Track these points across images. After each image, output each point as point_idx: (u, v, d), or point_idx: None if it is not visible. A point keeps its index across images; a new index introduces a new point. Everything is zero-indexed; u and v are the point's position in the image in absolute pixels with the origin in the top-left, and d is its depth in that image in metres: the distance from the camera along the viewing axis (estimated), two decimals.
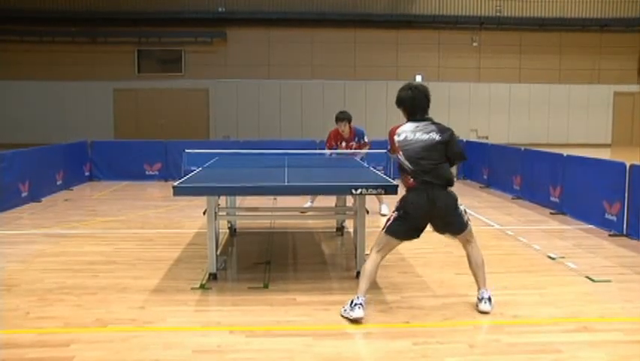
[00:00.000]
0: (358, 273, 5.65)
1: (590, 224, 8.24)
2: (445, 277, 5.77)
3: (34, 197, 10.24)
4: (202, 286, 5.39)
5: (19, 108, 22.48)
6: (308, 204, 9.06)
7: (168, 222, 8.67)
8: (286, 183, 5.71)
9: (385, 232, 4.69)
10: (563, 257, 6.50)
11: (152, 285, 5.44)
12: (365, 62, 23.29)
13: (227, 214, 6.99)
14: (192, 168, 6.91)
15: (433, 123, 4.70)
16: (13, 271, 5.92)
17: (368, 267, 4.70)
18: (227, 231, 7.65)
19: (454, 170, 5.04)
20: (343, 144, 9.08)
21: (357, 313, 4.49)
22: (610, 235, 7.63)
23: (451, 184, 4.72)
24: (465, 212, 4.81)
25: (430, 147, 4.59)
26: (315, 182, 6.11)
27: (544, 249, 6.90)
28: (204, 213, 5.71)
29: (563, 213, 9.09)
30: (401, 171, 4.74)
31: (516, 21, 23.80)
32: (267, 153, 9.93)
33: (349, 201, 7.26)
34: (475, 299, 4.85)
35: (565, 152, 9.96)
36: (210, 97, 23.40)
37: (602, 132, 24.46)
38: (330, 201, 8.51)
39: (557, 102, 24.33)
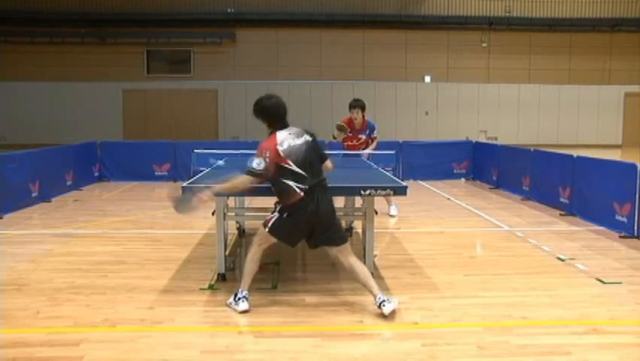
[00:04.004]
0: None
1: (600, 225, 8.19)
2: (453, 278, 5.75)
3: (44, 197, 10.29)
4: (211, 287, 5.40)
5: (29, 109, 22.61)
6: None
7: (177, 222, 8.68)
8: None
9: (269, 230, 4.70)
10: (573, 259, 6.46)
11: (160, 285, 5.45)
12: (374, 62, 23.27)
13: (236, 215, 6.99)
14: (201, 169, 6.93)
15: (295, 127, 4.75)
16: (23, 271, 5.96)
17: (250, 262, 4.80)
18: (236, 231, 7.66)
19: None
20: (351, 134, 8.94)
21: (244, 305, 4.66)
22: (620, 237, 7.58)
23: (327, 183, 4.76)
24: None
25: (309, 149, 4.64)
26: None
27: (553, 250, 6.87)
28: (213, 213, 5.71)
29: (573, 215, 9.04)
30: (283, 187, 4.57)
31: (525, 21, 23.71)
32: None
33: (358, 202, 7.24)
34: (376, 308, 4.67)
35: (575, 153, 9.90)
36: (219, 97, 23.45)
37: (613, 133, 24.31)
38: (338, 201, 8.49)
39: (567, 103, 24.21)
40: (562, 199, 9.53)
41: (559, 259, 6.50)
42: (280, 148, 4.55)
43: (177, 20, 22.73)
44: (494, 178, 12.64)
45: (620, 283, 5.62)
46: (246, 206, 7.93)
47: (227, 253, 6.01)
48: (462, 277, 5.80)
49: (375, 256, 6.06)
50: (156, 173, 13.47)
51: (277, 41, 23.46)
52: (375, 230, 5.78)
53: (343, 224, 7.87)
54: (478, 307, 4.88)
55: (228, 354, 3.96)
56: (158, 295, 5.19)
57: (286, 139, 4.60)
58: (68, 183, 11.63)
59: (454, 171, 14.14)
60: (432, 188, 12.43)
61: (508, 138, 21.95)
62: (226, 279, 5.58)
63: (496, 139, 21.84)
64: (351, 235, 7.66)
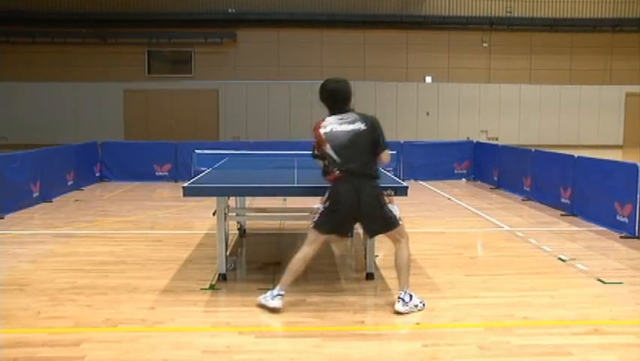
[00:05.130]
0: (368, 274, 5.67)
1: (601, 226, 8.19)
2: (454, 278, 5.75)
3: (45, 197, 10.30)
4: (211, 287, 5.40)
5: (30, 109, 22.59)
6: (318, 205, 9.04)
7: (178, 222, 8.69)
8: (296, 184, 5.72)
9: (313, 227, 4.73)
10: (574, 259, 6.46)
11: (161, 285, 5.45)
12: (375, 63, 23.24)
13: (237, 215, 6.99)
14: (202, 169, 6.94)
15: (356, 113, 4.76)
16: (24, 271, 5.96)
17: (295, 262, 4.77)
18: (237, 232, 7.66)
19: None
20: None
21: (276, 303, 4.64)
22: (621, 237, 7.58)
23: (377, 176, 4.75)
24: (395, 210, 4.84)
25: (356, 137, 4.64)
26: (325, 183, 6.10)
27: (554, 251, 6.87)
28: (214, 213, 5.72)
29: (574, 215, 9.03)
30: (326, 167, 4.76)
31: (526, 21, 23.67)
32: (276, 153, 9.93)
33: None
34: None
35: (576, 153, 9.90)
36: (220, 98, 23.44)
37: (614, 133, 24.26)
38: None
39: (568, 103, 24.17)
40: (563, 199, 9.53)
41: (560, 259, 6.50)
42: (323, 130, 4.69)
43: (178, 20, 22.72)
44: (495, 178, 12.63)
45: (621, 283, 5.62)
46: (246, 206, 7.94)
47: (228, 253, 6.02)
48: (463, 277, 5.80)
49: (377, 256, 6.06)
50: (157, 173, 13.48)
51: (278, 41, 23.45)
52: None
53: None
54: (479, 307, 4.88)
55: (229, 354, 3.96)
56: (159, 295, 5.20)
57: (332, 124, 4.69)
58: (69, 183, 11.63)
59: (455, 172, 14.14)
60: (433, 188, 12.42)
61: (509, 138, 21.92)
62: (227, 279, 5.58)
63: (497, 139, 21.80)
64: (352, 235, 7.66)
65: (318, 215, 4.76)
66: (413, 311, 4.70)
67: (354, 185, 4.59)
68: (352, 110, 4.80)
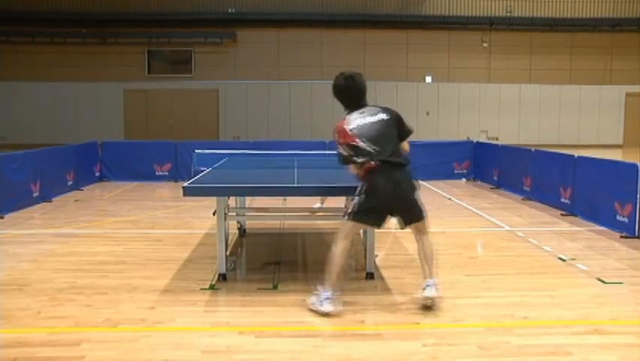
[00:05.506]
0: (368, 274, 5.67)
1: (601, 226, 8.19)
2: (455, 278, 5.75)
3: (45, 197, 10.30)
4: (211, 287, 5.40)
5: (30, 109, 22.60)
6: (318, 205, 9.05)
7: (178, 222, 8.69)
8: (296, 184, 5.72)
9: (350, 218, 4.67)
10: (574, 259, 6.46)
11: (161, 285, 5.45)
12: (374, 62, 23.24)
13: (237, 215, 7.00)
14: (202, 169, 6.93)
15: (374, 106, 4.77)
16: (24, 271, 5.96)
17: (337, 257, 4.67)
18: (237, 231, 7.66)
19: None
20: None
21: (328, 307, 4.56)
22: (621, 237, 7.58)
23: (409, 162, 4.74)
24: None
25: (383, 126, 4.64)
26: (325, 183, 6.11)
27: (554, 250, 6.86)
28: (214, 213, 5.71)
29: (574, 215, 9.03)
30: (354, 160, 4.63)
31: (526, 21, 23.68)
32: (276, 153, 9.93)
33: None
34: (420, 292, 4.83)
35: (576, 153, 9.90)
36: (220, 98, 23.44)
37: (614, 133, 24.27)
38: (340, 201, 8.49)
39: (568, 103, 24.18)
40: (563, 199, 9.53)
41: (560, 259, 6.50)
42: (348, 127, 4.62)
43: (178, 20, 22.72)
44: (495, 178, 12.64)
45: (621, 283, 5.62)
46: (246, 206, 7.94)
47: (228, 253, 6.02)
48: (463, 277, 5.80)
49: (377, 256, 6.06)
50: (157, 173, 13.47)
51: (278, 41, 23.45)
52: (376, 230, 5.77)
53: None
54: (479, 307, 4.88)
55: (229, 354, 3.96)
56: (159, 295, 5.19)
57: (356, 119, 4.65)
58: (69, 183, 11.63)
59: (455, 171, 14.14)
60: (433, 188, 12.42)
61: (509, 138, 21.93)
62: (227, 279, 5.58)
63: (497, 139, 21.82)
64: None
65: (352, 207, 4.68)
66: (441, 297, 4.78)
67: (390, 174, 4.58)
68: (368, 103, 4.80)
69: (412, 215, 4.77)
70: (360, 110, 4.72)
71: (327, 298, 4.59)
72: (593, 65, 24.19)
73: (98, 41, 22.90)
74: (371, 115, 4.68)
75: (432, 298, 4.71)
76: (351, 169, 4.73)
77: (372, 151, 4.58)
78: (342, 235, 4.73)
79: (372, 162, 4.58)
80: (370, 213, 4.67)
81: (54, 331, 4.34)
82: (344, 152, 4.68)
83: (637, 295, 5.31)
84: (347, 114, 4.76)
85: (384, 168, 4.58)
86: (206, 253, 6.61)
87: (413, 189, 4.73)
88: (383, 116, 4.69)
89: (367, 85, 4.90)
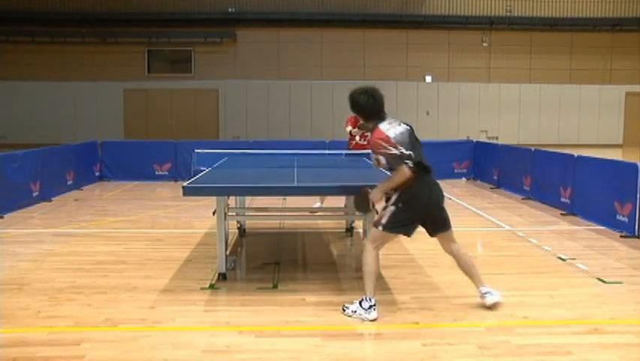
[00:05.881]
0: None
1: (601, 225, 8.18)
2: (454, 278, 5.73)
3: (45, 197, 10.30)
4: (211, 286, 5.40)
5: (30, 108, 22.62)
6: (317, 205, 9.05)
7: (178, 222, 8.69)
8: (296, 184, 5.72)
9: (383, 228, 4.64)
10: (574, 258, 6.46)
11: (161, 285, 5.45)
12: (374, 62, 23.26)
13: (237, 214, 7.00)
14: (202, 168, 6.92)
15: (391, 117, 4.76)
16: (24, 270, 5.96)
17: (371, 265, 4.65)
18: (237, 231, 7.66)
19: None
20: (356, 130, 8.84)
21: (374, 314, 4.54)
22: (621, 237, 7.57)
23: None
24: None
25: (412, 135, 4.65)
26: (324, 182, 6.11)
27: (554, 250, 6.86)
28: (214, 213, 5.71)
29: (574, 215, 9.03)
30: (400, 172, 4.56)
31: (526, 21, 23.69)
32: (276, 153, 9.93)
33: None
34: (479, 300, 4.84)
35: (575, 152, 9.89)
36: (220, 97, 23.45)
37: (614, 133, 24.29)
38: (339, 201, 8.50)
39: (568, 103, 24.19)
40: (563, 199, 9.53)
41: (560, 258, 6.50)
42: (391, 134, 4.57)
43: (178, 20, 22.73)
44: (495, 178, 12.63)
45: (621, 282, 5.62)
46: (246, 206, 7.94)
47: (227, 252, 6.02)
48: (463, 276, 5.76)
49: None
50: (157, 172, 13.47)
51: (278, 41, 23.46)
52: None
53: (344, 224, 7.93)
54: (479, 307, 4.87)
55: (229, 354, 3.96)
56: (159, 294, 5.19)
57: (390, 128, 4.62)
58: (69, 182, 11.63)
59: (455, 171, 14.13)
60: None
61: (508, 137, 21.94)
62: (227, 278, 5.58)
63: (496, 139, 21.83)
64: (351, 235, 7.67)
65: (386, 217, 4.62)
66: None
67: (428, 183, 4.63)
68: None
69: (441, 224, 4.77)
70: (388, 121, 4.68)
71: (372, 306, 4.56)
72: (593, 64, 24.20)
73: (97, 41, 22.91)
74: (398, 125, 4.67)
75: (496, 303, 4.78)
76: (397, 178, 4.58)
77: (415, 159, 4.58)
78: (374, 243, 4.71)
79: (414, 169, 4.56)
80: (405, 226, 4.66)
81: (54, 330, 4.34)
82: (392, 159, 4.56)
83: (637, 295, 5.31)
84: (376, 124, 4.67)
85: (423, 177, 4.60)
86: (206, 253, 6.61)
87: (443, 197, 4.76)
88: (406, 126, 4.69)
89: (369, 85, 4.87)
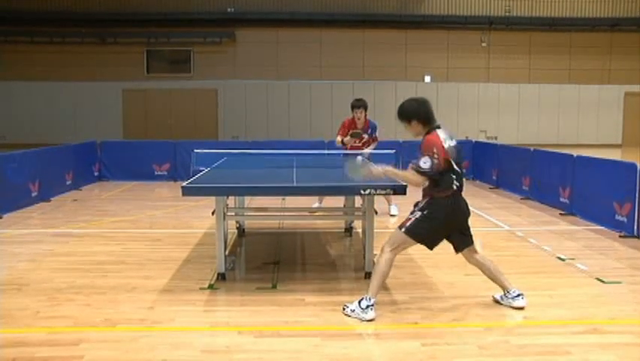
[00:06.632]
0: (367, 274, 5.66)
1: (601, 225, 8.18)
2: (454, 278, 5.75)
3: (44, 197, 10.29)
4: (210, 287, 5.40)
5: (29, 109, 22.61)
6: (316, 205, 9.05)
7: (177, 222, 8.69)
8: (295, 184, 5.71)
9: (406, 232, 4.62)
10: (573, 258, 6.46)
11: (160, 285, 5.45)
12: (374, 62, 23.26)
13: (236, 214, 7.00)
14: (201, 168, 6.92)
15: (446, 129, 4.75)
16: (23, 271, 5.96)
17: (383, 267, 4.64)
18: (236, 231, 7.66)
19: None
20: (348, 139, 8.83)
21: (371, 314, 4.53)
22: (620, 237, 7.58)
23: None
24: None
25: (459, 151, 4.66)
26: (323, 182, 6.11)
27: (554, 250, 6.86)
28: (213, 213, 5.71)
29: (573, 215, 9.03)
30: (444, 179, 4.55)
31: (525, 21, 23.70)
32: (275, 153, 9.93)
33: (358, 201, 7.24)
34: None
35: (575, 152, 9.89)
36: (219, 97, 23.45)
37: (613, 133, 24.30)
38: (338, 201, 8.50)
39: (567, 103, 24.20)
40: (562, 199, 9.53)
41: (559, 258, 6.50)
42: (445, 145, 4.54)
43: (177, 20, 22.72)
44: (494, 178, 12.63)
45: (620, 282, 5.62)
46: (245, 206, 7.94)
47: (227, 252, 6.02)
48: (462, 276, 5.80)
49: (376, 255, 6.05)
50: (156, 173, 13.47)
51: (277, 41, 23.45)
52: (375, 230, 5.77)
53: (343, 224, 7.92)
54: (478, 307, 4.88)
55: (228, 354, 3.96)
56: (158, 294, 5.19)
57: (445, 140, 4.58)
58: (68, 182, 11.62)
59: None
60: None
61: (508, 137, 21.95)
62: (226, 278, 5.58)
63: (496, 139, 21.83)
64: (351, 235, 7.67)
65: (413, 221, 4.60)
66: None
67: (458, 200, 4.66)
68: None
69: (465, 240, 4.79)
70: (443, 130, 4.66)
71: (370, 306, 4.55)
72: (592, 64, 24.21)
73: (97, 41, 22.90)
74: (451, 138, 4.63)
75: (524, 306, 4.79)
76: (409, 177, 4.57)
77: (461, 174, 4.60)
78: (392, 246, 4.68)
79: (455, 188, 4.58)
80: (430, 235, 4.65)
81: (53, 331, 4.33)
82: (427, 168, 4.49)
83: (636, 295, 5.31)
84: (433, 130, 4.62)
85: (457, 192, 4.62)
86: (205, 253, 6.60)
87: (470, 214, 4.78)
88: (455, 141, 4.68)
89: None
